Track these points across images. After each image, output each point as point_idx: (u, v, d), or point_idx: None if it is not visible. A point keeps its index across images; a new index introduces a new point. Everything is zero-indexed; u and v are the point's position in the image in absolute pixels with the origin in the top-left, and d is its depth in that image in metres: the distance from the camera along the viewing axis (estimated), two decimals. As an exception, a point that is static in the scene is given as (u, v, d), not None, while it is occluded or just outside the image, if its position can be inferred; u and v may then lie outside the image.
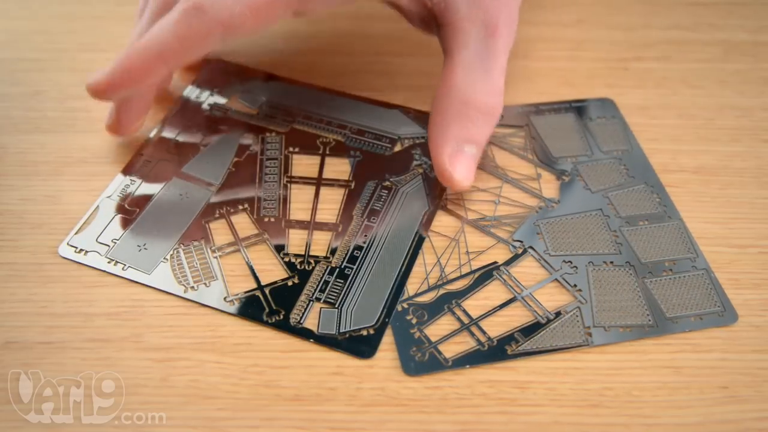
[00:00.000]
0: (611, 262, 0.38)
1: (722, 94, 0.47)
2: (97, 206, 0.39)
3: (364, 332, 0.35)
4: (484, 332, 0.35)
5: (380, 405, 0.32)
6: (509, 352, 0.34)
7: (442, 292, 0.36)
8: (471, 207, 0.40)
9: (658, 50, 0.50)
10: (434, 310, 0.36)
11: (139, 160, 0.41)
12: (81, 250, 0.37)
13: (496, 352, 0.34)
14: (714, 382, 0.34)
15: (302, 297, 0.36)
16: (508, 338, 0.35)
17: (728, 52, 0.50)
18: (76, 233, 0.38)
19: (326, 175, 0.41)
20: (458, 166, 0.38)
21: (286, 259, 0.37)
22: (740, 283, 0.37)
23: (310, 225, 0.39)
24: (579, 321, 0.35)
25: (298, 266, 0.37)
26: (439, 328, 0.35)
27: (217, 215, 0.39)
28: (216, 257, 0.37)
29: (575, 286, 0.37)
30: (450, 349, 0.34)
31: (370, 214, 0.39)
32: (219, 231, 0.38)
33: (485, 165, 0.42)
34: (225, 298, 0.36)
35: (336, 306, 0.35)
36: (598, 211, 0.40)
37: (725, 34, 0.52)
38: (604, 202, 0.41)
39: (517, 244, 0.39)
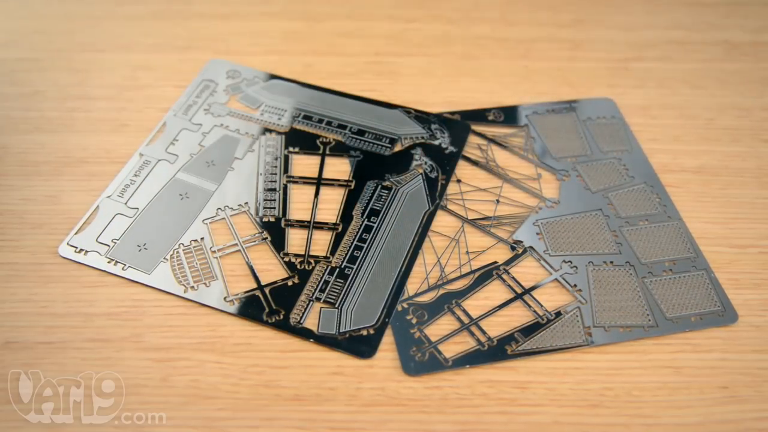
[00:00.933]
0: (611, 262, 0.38)
1: (723, 94, 0.47)
2: (97, 206, 0.39)
3: (364, 332, 0.35)
4: (484, 332, 0.35)
5: (380, 405, 0.32)
6: (509, 352, 0.34)
7: (442, 292, 0.36)
8: (471, 207, 0.40)
9: (658, 50, 0.50)
10: (434, 310, 0.36)
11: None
12: (81, 250, 0.37)
13: (496, 352, 0.34)
14: (714, 382, 0.34)
15: (302, 297, 0.36)
16: (508, 338, 0.35)
17: (729, 51, 0.50)
18: (76, 233, 0.38)
19: (326, 175, 0.41)
20: None
21: (286, 259, 0.37)
22: (740, 283, 0.37)
23: (310, 225, 0.39)
24: (579, 321, 0.35)
25: (298, 266, 0.37)
26: (439, 328, 0.35)
27: (217, 215, 0.39)
28: (216, 257, 0.37)
29: (575, 286, 0.37)
30: (450, 349, 0.34)
31: (370, 214, 0.39)
32: (219, 231, 0.38)
33: (485, 165, 0.42)
34: (225, 298, 0.36)
35: (336, 306, 0.35)
36: (598, 211, 0.40)
37: (726, 34, 0.52)
38: (604, 202, 0.41)
39: (517, 244, 0.39)
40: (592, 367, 0.34)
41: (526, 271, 0.38)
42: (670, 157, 0.43)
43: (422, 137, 0.43)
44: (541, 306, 0.36)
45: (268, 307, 0.35)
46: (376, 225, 0.39)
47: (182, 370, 0.33)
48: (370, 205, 0.40)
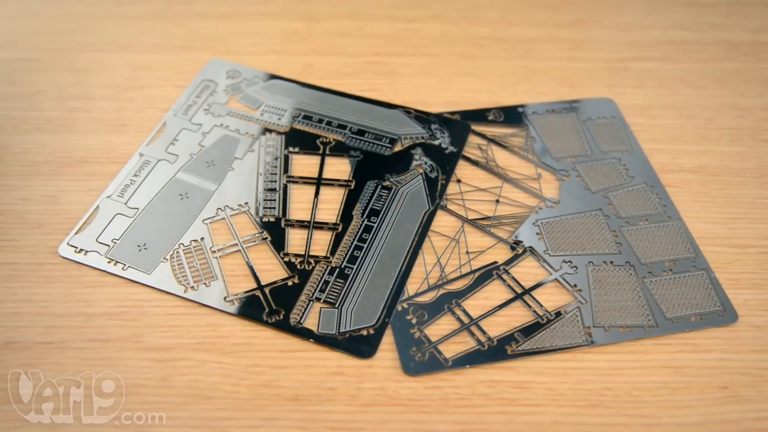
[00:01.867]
0: (611, 262, 0.38)
1: (722, 94, 0.47)
2: (97, 206, 0.39)
3: (364, 332, 0.35)
4: (484, 332, 0.35)
5: (380, 405, 0.32)
6: (509, 352, 0.34)
7: (442, 292, 0.36)
8: (471, 207, 0.40)
9: (658, 50, 0.50)
10: (434, 310, 0.36)
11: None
12: (81, 250, 0.37)
13: (496, 352, 0.34)
14: (714, 382, 0.34)
15: (302, 297, 0.36)
16: (508, 338, 0.35)
17: (728, 51, 0.50)
18: (76, 233, 0.38)
19: (326, 175, 0.41)
20: None
21: (286, 259, 0.37)
22: (740, 283, 0.37)
23: (310, 225, 0.39)
24: (579, 321, 0.35)
25: (298, 266, 0.37)
26: (439, 328, 0.35)
27: (217, 215, 0.39)
28: (216, 257, 0.37)
29: (575, 286, 0.37)
30: (450, 349, 0.34)
31: (370, 214, 0.39)
32: (219, 231, 0.38)
33: (485, 165, 0.42)
34: (225, 298, 0.36)
35: (336, 306, 0.35)
36: (598, 211, 0.40)
37: (725, 34, 0.52)
38: (604, 202, 0.41)
39: (517, 244, 0.39)
40: (592, 367, 0.34)
41: (526, 271, 0.38)
42: (670, 157, 0.43)
43: (422, 137, 0.43)
44: (541, 306, 0.36)
45: (268, 307, 0.35)
46: (376, 225, 0.39)
47: (182, 370, 0.33)
48: (370, 205, 0.40)
